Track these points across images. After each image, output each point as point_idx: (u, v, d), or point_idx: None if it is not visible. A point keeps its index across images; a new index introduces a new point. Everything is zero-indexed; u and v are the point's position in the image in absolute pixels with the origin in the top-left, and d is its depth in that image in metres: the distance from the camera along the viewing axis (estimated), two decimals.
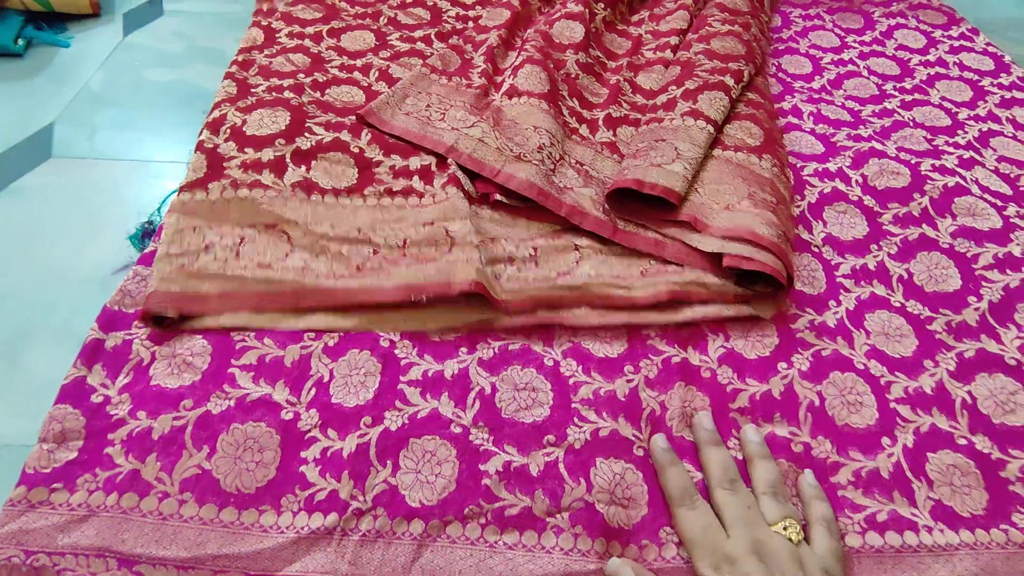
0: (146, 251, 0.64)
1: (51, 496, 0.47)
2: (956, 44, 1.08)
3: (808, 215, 0.75)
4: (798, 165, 0.80)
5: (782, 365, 0.60)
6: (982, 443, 0.55)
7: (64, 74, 1.02)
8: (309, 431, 0.51)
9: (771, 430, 0.55)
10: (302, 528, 0.47)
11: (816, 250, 0.71)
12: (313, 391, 0.54)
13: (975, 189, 0.77)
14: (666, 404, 0.56)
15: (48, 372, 0.58)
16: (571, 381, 0.57)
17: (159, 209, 0.78)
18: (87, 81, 1.01)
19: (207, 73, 1.06)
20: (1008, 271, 0.68)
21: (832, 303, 0.66)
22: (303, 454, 0.50)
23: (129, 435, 0.50)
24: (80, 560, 0.44)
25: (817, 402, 0.57)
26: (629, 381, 0.57)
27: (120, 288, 0.60)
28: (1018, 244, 0.70)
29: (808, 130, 0.87)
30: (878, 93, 0.97)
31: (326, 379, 0.55)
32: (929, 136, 0.88)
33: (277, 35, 0.91)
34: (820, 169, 0.80)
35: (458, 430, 0.53)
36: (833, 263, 0.70)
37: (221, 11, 1.17)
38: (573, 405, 0.55)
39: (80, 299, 0.70)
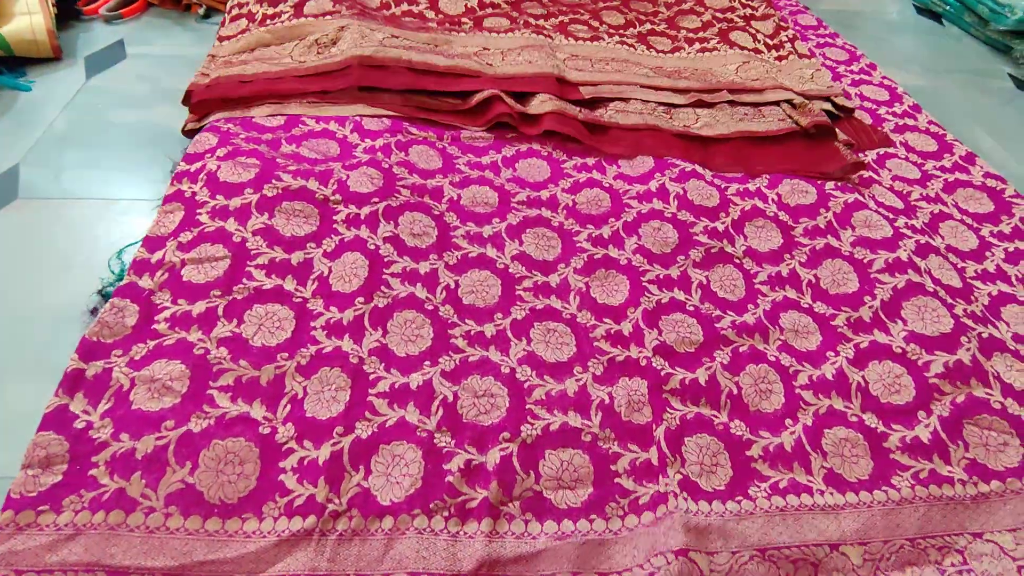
0: (122, 284, 0.68)
1: (38, 518, 0.50)
2: (857, 77, 1.23)
3: (731, 230, 0.84)
4: (722, 186, 0.90)
5: (706, 359, 0.68)
6: (870, 419, 0.64)
7: (27, 117, 1.04)
8: (286, 443, 0.56)
9: (697, 411, 0.63)
10: (283, 531, 0.51)
11: (738, 261, 0.80)
12: (288, 407, 0.59)
13: (871, 204, 0.89)
14: (613, 395, 0.64)
15: (24, 406, 0.61)
16: (526, 385, 0.64)
17: (119, 254, 0.80)
18: (51, 123, 1.03)
19: (172, 114, 1.09)
20: (896, 274, 0.79)
21: (751, 306, 0.75)
22: (281, 464, 0.54)
23: (113, 456, 0.53)
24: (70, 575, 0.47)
25: (735, 391, 0.66)
26: (578, 380, 0.65)
27: (99, 320, 0.63)
28: (905, 250, 0.81)
29: None
30: None
31: (300, 396, 0.60)
32: None
33: None
34: (741, 190, 0.90)
35: (423, 435, 0.59)
36: (752, 272, 0.80)
37: (184, 54, 1.22)
38: (527, 406, 0.62)
39: (53, 335, 0.72)
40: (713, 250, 0.81)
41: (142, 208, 0.91)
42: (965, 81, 1.38)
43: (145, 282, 0.67)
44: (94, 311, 0.72)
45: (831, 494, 0.58)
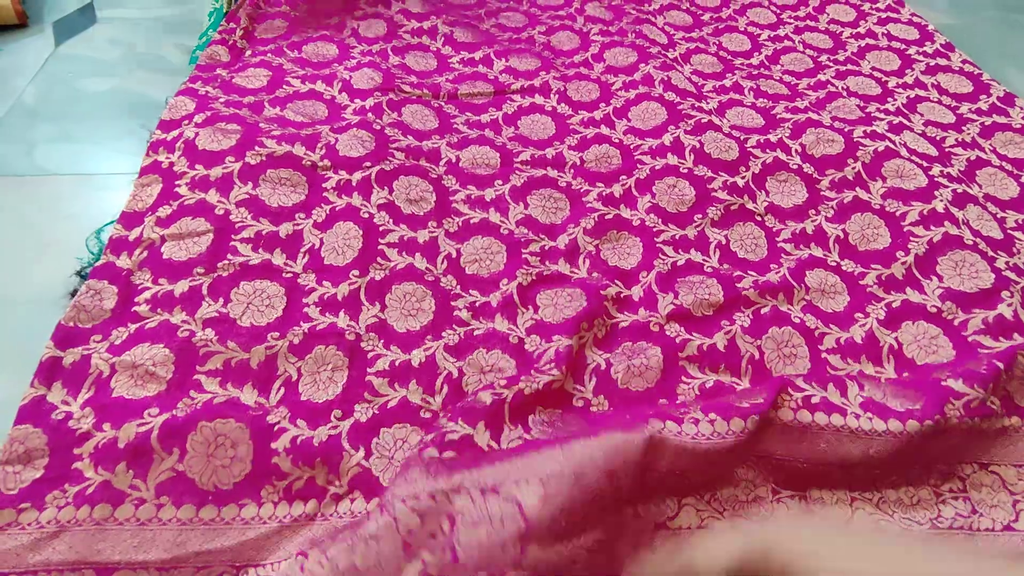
0: (98, 264, 0.63)
1: (19, 517, 0.47)
2: (883, 16, 1.14)
3: (752, 185, 0.79)
4: (741, 138, 0.84)
5: (725, 323, 0.64)
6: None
7: None
8: (278, 423, 0.52)
9: (717, 379, 0.59)
10: (284, 517, 0.48)
11: (759, 219, 0.75)
12: (282, 390, 0.55)
13: (904, 152, 0.82)
14: (611, 360, 0.60)
15: (1, 396, 0.57)
16: (535, 355, 0.60)
17: (98, 233, 0.76)
18: (20, 95, 0.97)
19: (147, 80, 1.03)
20: (932, 226, 0.73)
21: (773, 266, 0.70)
22: (274, 445, 0.51)
23: (96, 447, 0.50)
24: None
25: (757, 355, 0.62)
26: (581, 339, 0.61)
27: (74, 304, 0.59)
28: (941, 200, 0.76)
29: (749, 104, 0.91)
30: (813, 66, 1.02)
31: (294, 378, 0.56)
32: (861, 104, 0.93)
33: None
34: (762, 141, 0.84)
35: (427, 416, 0.55)
36: (775, 229, 0.74)
37: (158, 15, 1.14)
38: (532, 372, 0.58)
39: (30, 320, 0.68)
40: (733, 207, 0.75)
41: (120, 182, 0.86)
42: (996, 18, 1.28)
43: (123, 261, 0.62)
44: (73, 293, 0.68)
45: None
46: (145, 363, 0.55)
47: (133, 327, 0.57)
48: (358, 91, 0.83)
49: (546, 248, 0.70)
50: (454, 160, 0.77)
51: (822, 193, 0.79)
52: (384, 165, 0.73)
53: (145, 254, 0.63)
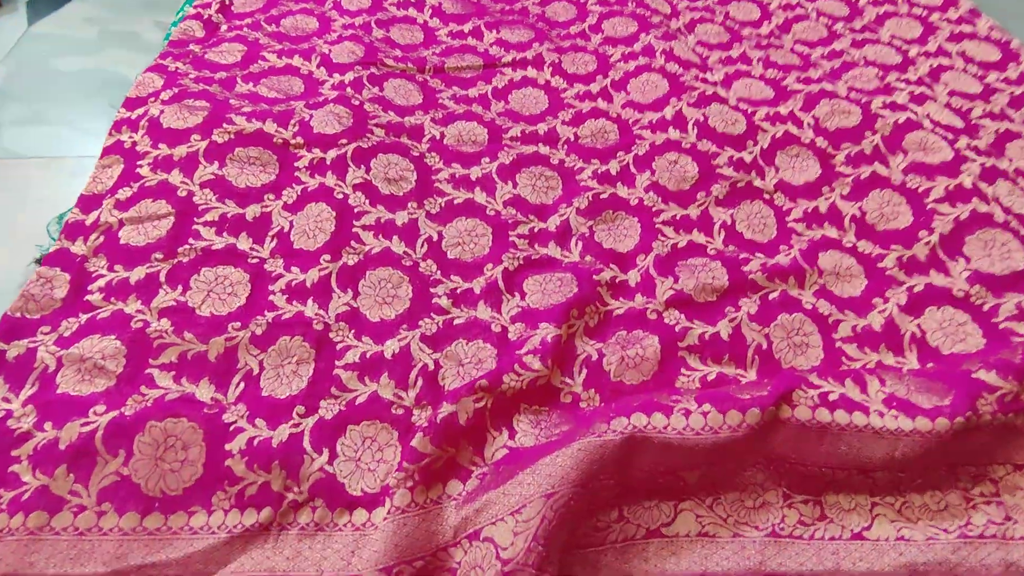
0: (53, 250, 0.59)
1: None
2: None
3: (760, 161, 0.73)
4: (749, 111, 0.78)
5: (729, 309, 0.58)
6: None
7: None
8: (234, 422, 0.48)
9: (720, 371, 0.54)
10: (235, 526, 0.44)
11: (768, 197, 0.69)
12: (241, 385, 0.51)
13: (927, 124, 0.76)
14: (603, 351, 0.55)
15: None
16: (517, 341, 0.55)
17: (60, 218, 0.71)
18: None
19: (123, 59, 0.99)
20: (958, 203, 0.67)
21: (783, 247, 0.64)
22: (227, 447, 0.46)
23: (35, 449, 0.46)
24: None
25: (765, 345, 0.56)
26: (571, 327, 0.55)
27: (22, 293, 0.55)
28: (968, 175, 0.69)
29: (758, 76, 0.85)
30: (828, 35, 0.95)
31: (255, 371, 0.51)
32: (881, 74, 0.86)
33: None
34: (771, 114, 0.78)
35: (399, 412, 0.50)
36: (785, 208, 0.68)
37: None
38: (514, 363, 0.53)
39: None
40: (739, 184, 0.69)
41: (91, 165, 0.82)
42: None
43: (78, 247, 0.58)
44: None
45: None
46: (94, 356, 0.50)
47: (84, 317, 0.53)
48: (337, 65, 0.78)
49: (535, 230, 0.65)
50: (438, 137, 0.72)
51: (837, 169, 0.72)
52: (362, 143, 0.68)
53: (101, 239, 0.59)
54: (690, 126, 0.74)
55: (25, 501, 0.44)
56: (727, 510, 0.47)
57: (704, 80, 0.81)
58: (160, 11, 1.05)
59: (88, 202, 0.62)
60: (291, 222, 0.61)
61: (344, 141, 0.68)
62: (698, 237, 0.65)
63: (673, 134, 0.73)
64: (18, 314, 0.53)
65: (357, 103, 0.72)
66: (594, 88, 0.81)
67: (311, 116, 0.70)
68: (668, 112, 0.76)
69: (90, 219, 0.60)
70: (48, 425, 0.47)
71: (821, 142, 0.75)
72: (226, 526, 0.44)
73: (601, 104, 0.78)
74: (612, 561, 0.44)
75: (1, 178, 0.81)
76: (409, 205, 0.65)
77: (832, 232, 0.66)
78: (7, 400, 0.48)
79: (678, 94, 0.78)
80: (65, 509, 0.44)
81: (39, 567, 0.41)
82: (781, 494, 0.48)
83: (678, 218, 0.66)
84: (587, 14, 0.94)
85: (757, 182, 0.70)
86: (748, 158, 0.72)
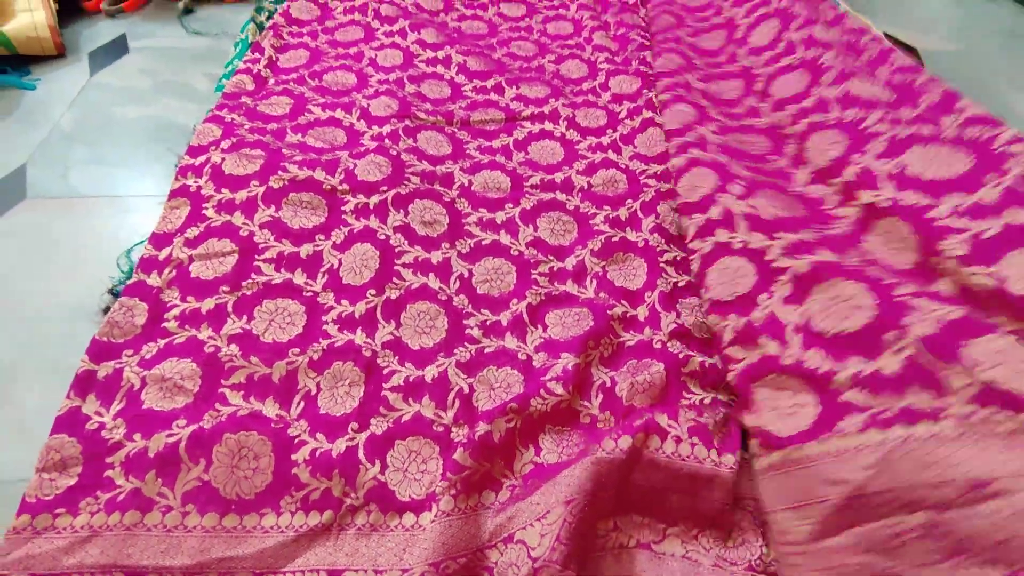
0: (130, 283, 0.67)
1: (55, 521, 0.49)
2: None
3: None
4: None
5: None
6: None
7: (33, 116, 1.04)
8: (298, 435, 0.55)
9: (715, 397, 0.61)
10: (300, 526, 0.51)
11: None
12: (302, 404, 0.58)
13: None
14: (615, 378, 0.62)
15: (37, 406, 0.61)
16: (542, 368, 0.62)
17: (128, 252, 0.80)
18: (57, 121, 1.03)
19: (176, 107, 1.09)
20: None
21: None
22: (294, 456, 0.53)
23: (127, 457, 0.53)
24: None
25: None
26: (588, 357, 0.63)
27: (108, 320, 0.63)
28: None
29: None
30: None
31: (313, 392, 0.59)
32: None
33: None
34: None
35: (439, 429, 0.57)
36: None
37: (186, 46, 1.20)
38: (540, 388, 0.60)
39: (64, 334, 0.72)
40: None
41: (149, 204, 0.91)
42: (1000, 45, 1.31)
43: (153, 280, 0.66)
44: (106, 310, 0.71)
45: None
46: (173, 377, 0.58)
47: (162, 342, 0.60)
48: (376, 118, 0.87)
49: (555, 269, 0.73)
50: (467, 184, 0.81)
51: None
52: (400, 189, 0.77)
53: (174, 273, 0.66)
54: None
55: (120, 502, 0.51)
56: (710, 543, 0.53)
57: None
58: (210, 64, 1.16)
59: (159, 240, 0.70)
60: (340, 260, 0.70)
61: (384, 188, 0.77)
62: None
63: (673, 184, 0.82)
64: (105, 338, 0.61)
65: (395, 153, 0.81)
66: (605, 140, 0.90)
67: (355, 165, 0.79)
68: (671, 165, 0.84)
69: (162, 255, 0.69)
70: (137, 436, 0.54)
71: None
72: (293, 526, 0.51)
73: (611, 155, 0.87)
74: (612, 564, 0.51)
75: (67, 216, 0.90)
76: (443, 245, 0.73)
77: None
78: (99, 414, 0.55)
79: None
80: (155, 509, 0.51)
81: (135, 558, 0.48)
82: (760, 533, 0.54)
83: (679, 260, 0.73)
84: (597, 72, 1.04)
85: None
86: None
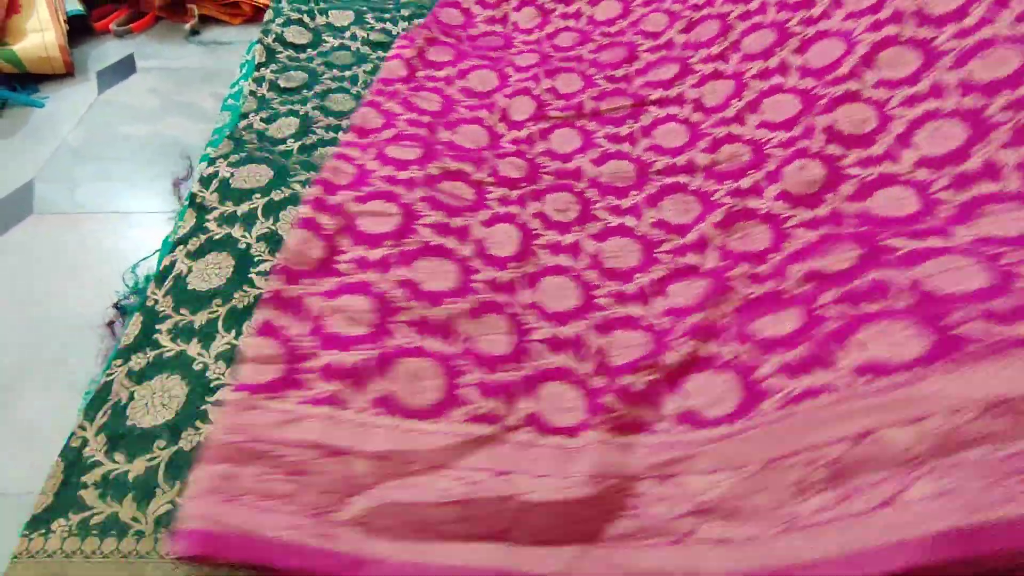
0: (303, 217, 1.23)
1: (267, 402, 0.98)
2: None
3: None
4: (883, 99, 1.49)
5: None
6: None
7: (41, 132, 1.67)
8: (465, 365, 1.07)
9: None
10: (467, 434, 1.00)
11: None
12: (464, 343, 1.11)
13: None
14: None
15: (41, 421, 1.14)
16: (668, 330, 1.15)
17: (134, 268, 1.39)
18: (65, 138, 1.65)
19: (182, 126, 1.72)
20: None
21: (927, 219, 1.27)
22: (458, 381, 1.05)
23: (324, 366, 1.03)
24: (294, 450, 0.94)
25: None
26: (715, 312, 1.16)
27: (286, 246, 1.18)
28: None
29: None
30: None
31: (472, 335, 1.12)
32: None
33: None
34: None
35: (583, 376, 1.10)
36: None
37: (194, 66, 1.90)
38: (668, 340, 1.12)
39: (69, 348, 1.26)
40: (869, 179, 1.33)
41: (154, 220, 1.53)
42: None
43: (324, 220, 1.23)
44: (111, 324, 1.27)
45: None
46: (349, 309, 1.11)
47: (336, 281, 1.15)
48: (514, 123, 1.58)
49: (677, 245, 1.30)
50: (595, 176, 1.45)
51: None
52: (537, 185, 1.43)
53: (343, 222, 1.24)
54: (818, 132, 1.36)
55: (320, 399, 1.00)
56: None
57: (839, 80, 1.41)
58: (216, 84, 1.84)
59: (329, 187, 1.30)
60: (486, 236, 1.29)
61: (523, 184, 1.43)
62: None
63: (801, 143, 1.36)
64: (287, 264, 1.15)
65: (531, 157, 1.50)
66: (729, 113, 1.51)
67: (498, 164, 1.46)
68: (797, 130, 1.40)
69: (332, 200, 1.27)
70: (327, 352, 1.04)
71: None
72: (461, 433, 1.00)
73: (735, 129, 1.47)
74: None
75: (74, 231, 1.45)
76: (573, 229, 1.30)
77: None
78: (290, 327, 1.07)
79: (808, 111, 1.42)
80: (349, 408, 1.00)
81: (335, 440, 0.96)
82: None
83: (807, 220, 1.24)
84: (728, 29, 1.67)
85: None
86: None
